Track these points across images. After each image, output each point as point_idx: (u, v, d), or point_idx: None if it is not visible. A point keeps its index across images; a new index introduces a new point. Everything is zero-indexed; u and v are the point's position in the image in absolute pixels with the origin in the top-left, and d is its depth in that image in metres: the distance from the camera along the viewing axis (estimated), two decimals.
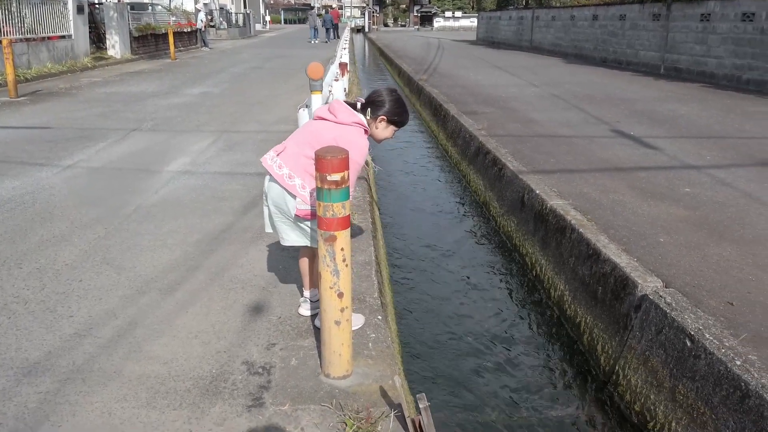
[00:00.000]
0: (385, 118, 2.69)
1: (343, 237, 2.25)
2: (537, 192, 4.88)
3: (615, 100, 10.05)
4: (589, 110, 8.96)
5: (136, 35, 19.42)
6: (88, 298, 3.12)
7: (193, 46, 25.35)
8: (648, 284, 3.15)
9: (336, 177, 2.16)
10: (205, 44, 25.02)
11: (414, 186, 7.16)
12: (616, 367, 3.18)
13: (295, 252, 3.52)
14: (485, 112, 8.98)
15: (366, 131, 2.67)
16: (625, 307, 3.24)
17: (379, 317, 2.96)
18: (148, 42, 20.61)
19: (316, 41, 31.81)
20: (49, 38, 14.29)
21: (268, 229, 2.82)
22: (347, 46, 15.09)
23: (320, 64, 3.76)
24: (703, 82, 12.09)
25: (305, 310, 2.94)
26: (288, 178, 2.57)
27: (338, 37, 35.61)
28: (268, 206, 2.73)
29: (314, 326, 2.83)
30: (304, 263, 2.84)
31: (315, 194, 2.54)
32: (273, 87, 12.57)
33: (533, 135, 7.21)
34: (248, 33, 38.77)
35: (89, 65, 15.43)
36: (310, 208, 2.54)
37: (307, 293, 2.92)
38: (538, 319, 4.02)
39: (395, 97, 2.73)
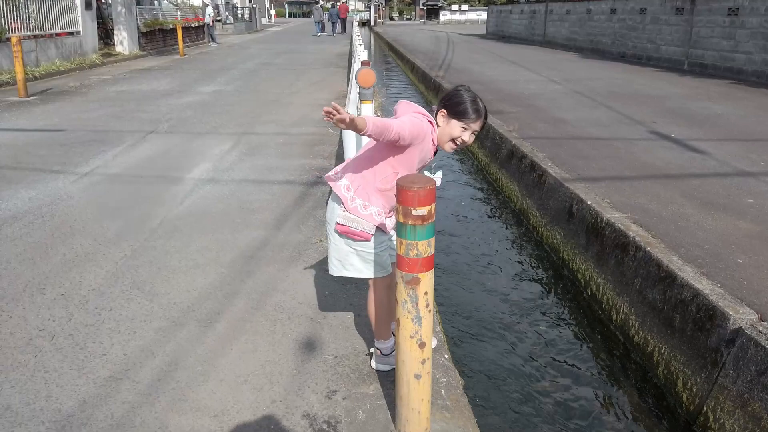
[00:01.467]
0: (444, 111, 2.31)
1: (428, 279, 1.94)
2: (589, 203, 4.56)
3: (642, 97, 9.70)
4: (619, 108, 8.61)
5: (144, 31, 19.10)
6: (120, 332, 2.82)
7: (201, 42, 25.02)
8: (741, 316, 2.84)
9: (422, 211, 1.85)
10: (213, 39, 24.69)
11: (441, 190, 6.84)
12: (704, 408, 2.87)
13: (345, 278, 3.22)
14: (511, 112, 8.64)
15: (431, 123, 2.30)
16: (713, 340, 2.93)
17: (446, 356, 2.65)
18: (156, 38, 20.29)
19: (321, 35, 31.58)
20: (57, 34, 13.98)
21: (334, 271, 2.45)
22: (361, 41, 14.74)
23: (371, 71, 3.44)
24: (732, 79, 11.71)
25: (381, 365, 2.53)
26: (345, 189, 2.29)
27: (344, 31, 35.32)
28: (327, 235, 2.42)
29: (375, 369, 2.53)
30: (372, 306, 2.48)
31: (364, 208, 2.24)
32: (286, 84, 12.25)
33: (567, 137, 6.88)
34: (254, 27, 38.39)
35: (98, 62, 15.12)
36: (351, 224, 2.24)
37: (379, 344, 2.52)
38: (599, 344, 3.71)
39: (453, 91, 2.35)
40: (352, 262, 2.33)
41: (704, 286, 3.14)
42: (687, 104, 8.90)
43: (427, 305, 1.97)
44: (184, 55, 18.92)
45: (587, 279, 4.32)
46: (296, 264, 3.59)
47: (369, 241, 2.28)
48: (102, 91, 10.94)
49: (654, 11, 15.00)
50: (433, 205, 1.87)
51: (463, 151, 8.70)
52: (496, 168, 7.12)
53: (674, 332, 3.24)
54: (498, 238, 5.41)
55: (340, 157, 6.18)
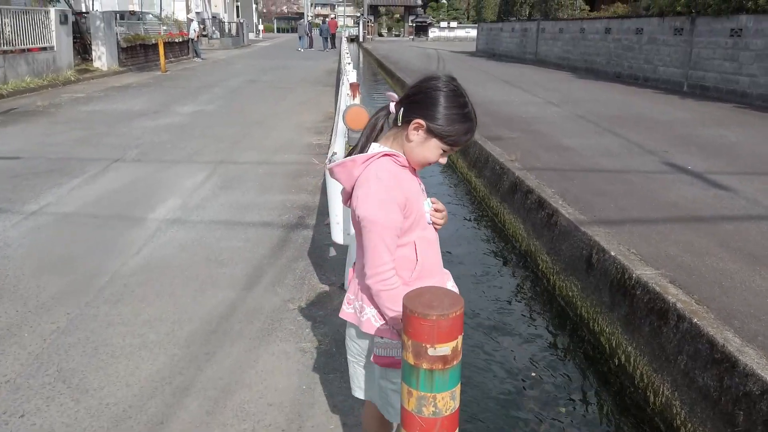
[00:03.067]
0: (421, 123, 1.54)
1: None
2: (613, 254, 3.93)
3: (647, 122, 9.17)
4: (626, 135, 8.06)
5: (125, 46, 18.43)
6: None
7: (185, 57, 24.38)
8: None
9: (444, 350, 1.19)
10: (198, 55, 24.07)
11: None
12: None
13: (326, 361, 2.55)
14: (511, 137, 8.06)
15: (398, 158, 1.58)
16: None
17: None
18: (137, 53, 19.62)
19: (302, 50, 31.85)
20: (29, 50, 13.27)
21: (359, 394, 1.82)
22: (350, 59, 14.18)
23: (362, 110, 2.81)
24: (735, 102, 11.26)
25: None
26: (359, 312, 1.63)
27: (333, 47, 34.99)
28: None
29: None
30: (367, 426, 1.83)
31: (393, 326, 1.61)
32: (271, 103, 11.62)
33: (576, 168, 6.29)
34: (241, 42, 37.86)
35: (72, 78, 14.41)
36: (393, 351, 1.59)
37: None
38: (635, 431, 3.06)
39: (438, 88, 1.55)
40: (393, 404, 1.65)
41: None
42: (697, 131, 8.38)
43: None
44: (167, 71, 18.26)
45: (613, 345, 3.68)
46: (268, 341, 2.92)
47: None
48: (72, 110, 10.23)
49: (651, 31, 14.62)
50: (460, 338, 1.22)
51: (448, 168, 8.10)
52: (497, 201, 6.50)
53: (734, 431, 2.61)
54: (506, 289, 4.77)
55: (326, 191, 5.53)
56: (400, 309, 1.61)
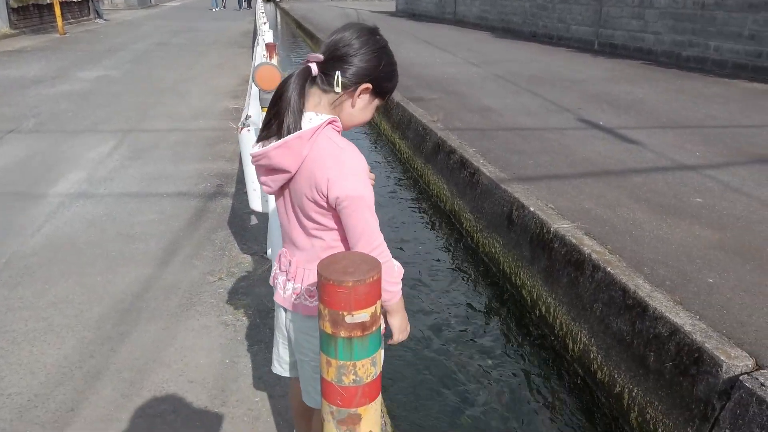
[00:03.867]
0: (370, 87, 1.44)
1: (372, 413, 1.25)
2: (531, 209, 4.03)
3: (564, 81, 9.44)
4: (543, 94, 8.26)
5: (15, 6, 16.78)
6: None
7: (86, 18, 22.59)
8: (734, 362, 2.38)
9: (362, 316, 1.14)
10: (99, 15, 22.35)
11: None
12: None
13: (250, 333, 2.47)
14: (432, 98, 8.06)
15: (336, 124, 1.46)
16: (701, 390, 2.46)
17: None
18: (31, 14, 17.95)
19: (215, 9, 30.81)
20: None
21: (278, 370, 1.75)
22: (266, 19, 13.61)
23: (274, 69, 2.64)
24: (642, 59, 11.78)
25: None
26: (304, 299, 1.55)
27: (250, 7, 33.49)
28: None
29: None
30: (299, 404, 1.76)
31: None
32: (184, 68, 11.01)
33: (496, 128, 6.38)
34: (149, 2, 35.51)
35: None
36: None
37: None
38: (555, 380, 3.20)
39: (375, 44, 1.45)
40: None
41: (683, 320, 2.67)
42: (608, 88, 8.70)
43: None
44: (65, 33, 16.85)
45: (534, 297, 3.81)
46: (187, 317, 2.78)
47: None
48: None
49: None
50: (378, 303, 1.17)
51: (381, 140, 8.04)
52: (421, 162, 6.51)
53: (648, 374, 2.77)
54: (427, 243, 4.81)
55: None
56: (395, 281, 1.58)
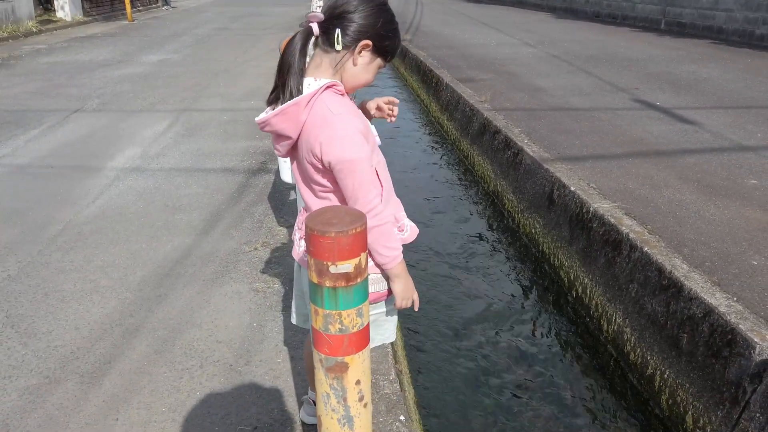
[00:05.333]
0: (369, 43, 1.45)
1: (360, 363, 1.29)
2: (572, 189, 3.94)
3: (622, 60, 9.07)
4: (599, 74, 7.97)
5: None
6: None
7: (153, 6, 23.45)
8: None
9: (346, 267, 1.18)
10: (167, 3, 23.16)
11: (407, 169, 6.15)
12: None
13: (278, 300, 2.56)
14: (483, 79, 7.94)
15: (338, 87, 1.46)
16: (732, 372, 2.36)
17: (402, 418, 2.03)
18: (103, 2, 18.82)
19: None
20: None
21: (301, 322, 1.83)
22: (321, 2, 13.70)
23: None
24: (712, 38, 11.14)
25: (308, 416, 1.98)
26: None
27: None
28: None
29: (302, 422, 1.92)
30: (310, 356, 1.83)
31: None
32: (240, 51, 11.29)
33: (545, 108, 6.23)
34: None
35: (34, 30, 13.83)
36: (375, 286, 1.60)
37: (313, 394, 1.94)
38: (587, 361, 3.15)
39: (373, 1, 1.45)
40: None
41: (718, 301, 2.56)
42: (670, 68, 8.30)
43: (362, 398, 1.32)
44: (134, 20, 17.58)
45: (572, 278, 3.74)
46: (221, 283, 2.91)
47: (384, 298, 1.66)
48: (32, 62, 9.85)
49: None
50: (363, 255, 1.21)
51: (430, 123, 7.99)
52: (467, 143, 6.46)
53: (681, 355, 2.68)
54: (469, 225, 4.78)
55: None
56: (392, 245, 1.56)
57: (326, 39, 1.46)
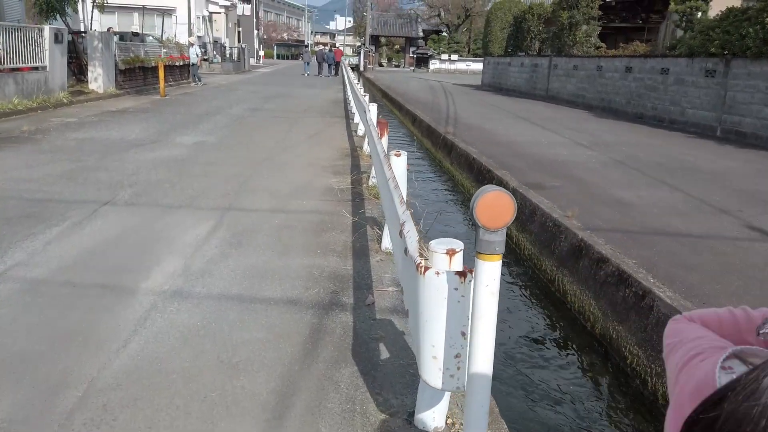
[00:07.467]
0: None
1: None
2: None
3: (697, 171, 8.32)
4: (682, 187, 7.18)
5: (123, 68, 17.57)
6: None
7: (185, 81, 23.58)
8: None
9: None
10: (197, 79, 23.27)
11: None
12: None
13: None
14: (554, 186, 7.16)
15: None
16: None
17: None
18: (136, 75, 18.77)
19: (308, 74, 33.50)
20: (19, 69, 12.34)
21: None
22: (365, 91, 13.38)
23: (506, 197, 1.82)
24: None
25: None
26: None
27: (336, 74, 34.73)
28: None
29: None
30: None
31: None
32: (279, 135, 10.71)
33: (647, 231, 5.36)
34: (242, 68, 37.26)
35: (65, 101, 13.46)
36: None
37: None
38: None
39: None
40: None
41: None
42: (759, 185, 7.51)
43: None
44: (166, 95, 17.38)
45: None
46: None
47: None
48: (60, 138, 9.24)
49: (678, 72, 13.93)
50: None
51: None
52: (551, 264, 5.55)
53: None
54: (577, 380, 3.77)
55: (359, 253, 4.56)
56: None
57: None
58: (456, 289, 1.77)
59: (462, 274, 1.78)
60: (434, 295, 1.80)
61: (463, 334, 1.78)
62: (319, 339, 3.19)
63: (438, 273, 1.80)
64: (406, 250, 2.14)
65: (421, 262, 1.88)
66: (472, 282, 1.73)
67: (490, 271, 1.71)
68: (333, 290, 3.85)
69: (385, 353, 3.06)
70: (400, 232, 2.39)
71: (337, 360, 2.99)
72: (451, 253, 2.06)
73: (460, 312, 1.78)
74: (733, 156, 9.89)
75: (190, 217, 5.31)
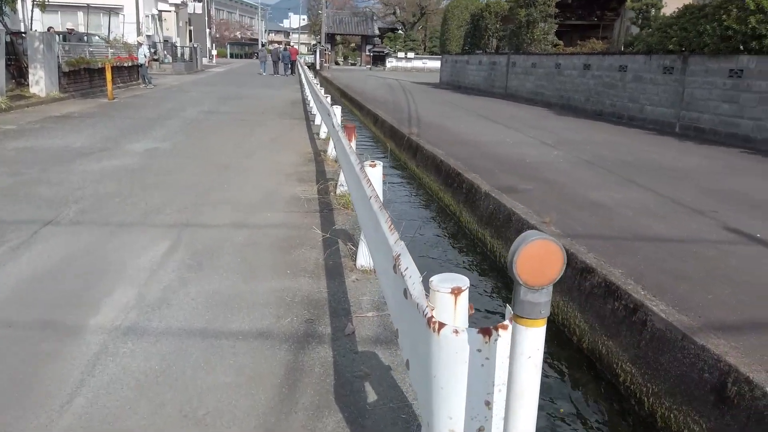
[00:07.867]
0: None
1: None
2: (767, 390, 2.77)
3: (664, 170, 8.29)
4: (653, 187, 7.10)
5: (67, 70, 16.61)
6: None
7: (134, 83, 22.59)
8: None
9: None
10: (148, 81, 22.32)
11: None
12: None
13: None
14: (526, 189, 6.96)
15: None
16: None
17: None
18: (81, 78, 17.80)
19: (264, 73, 33.16)
20: None
21: None
22: (322, 89, 12.98)
23: (553, 244, 1.50)
24: (738, 146, 10.61)
25: None
26: None
27: (293, 73, 34.08)
28: None
29: None
30: None
31: None
32: (238, 139, 10.21)
33: (625, 235, 5.20)
34: (195, 68, 36.14)
35: (3, 106, 12.56)
36: None
37: None
38: None
39: None
40: None
41: None
42: (727, 182, 7.51)
43: None
44: (114, 98, 16.52)
45: None
46: None
47: None
48: None
49: (636, 69, 14.05)
50: None
51: (463, 235, 6.89)
52: None
53: None
54: (562, 402, 3.54)
55: (333, 273, 4.21)
56: None
57: None
58: (479, 350, 1.46)
59: (486, 331, 1.47)
60: (452, 358, 1.48)
61: (488, 403, 1.48)
62: (296, 381, 2.84)
63: (457, 332, 1.48)
64: (406, 292, 1.82)
65: (432, 316, 1.56)
66: (498, 342, 1.42)
67: (534, 340, 1.40)
68: (307, 318, 3.50)
69: (372, 395, 2.74)
70: (395, 267, 2.07)
71: (318, 406, 2.65)
72: (456, 292, 1.76)
73: (484, 377, 1.47)
74: (694, 152, 9.95)
75: (143, 237, 4.85)
